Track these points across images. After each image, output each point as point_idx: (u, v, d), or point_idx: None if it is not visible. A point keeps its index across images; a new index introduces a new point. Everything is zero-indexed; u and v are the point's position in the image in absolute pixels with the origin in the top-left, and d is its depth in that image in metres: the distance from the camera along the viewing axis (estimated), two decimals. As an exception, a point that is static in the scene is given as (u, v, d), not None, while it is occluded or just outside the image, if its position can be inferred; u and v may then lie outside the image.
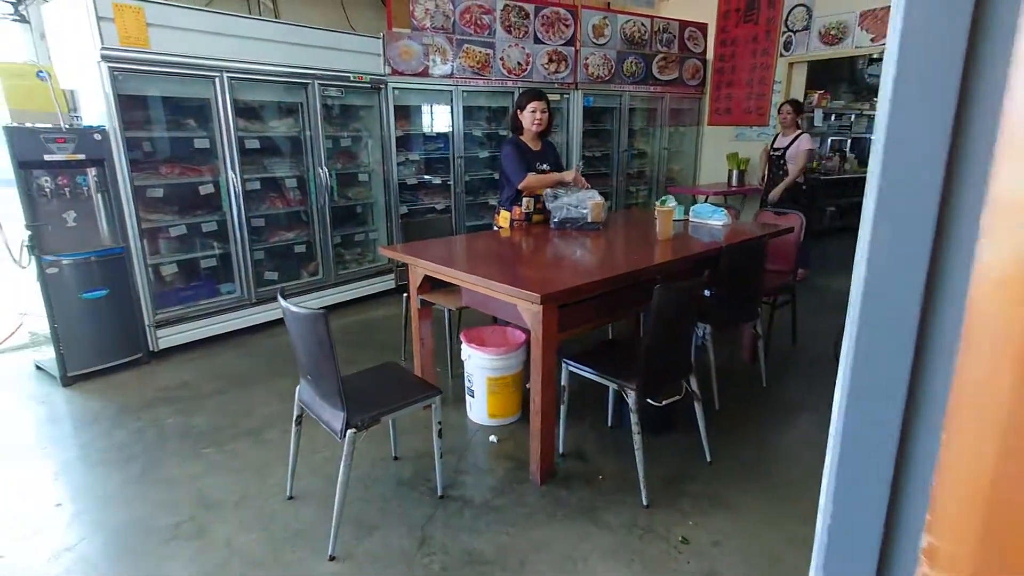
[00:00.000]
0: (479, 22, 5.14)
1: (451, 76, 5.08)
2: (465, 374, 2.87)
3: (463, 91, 5.18)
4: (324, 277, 4.63)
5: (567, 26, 5.63)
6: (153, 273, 3.70)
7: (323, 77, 4.33)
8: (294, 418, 2.22)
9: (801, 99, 5.90)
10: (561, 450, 2.57)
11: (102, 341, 3.43)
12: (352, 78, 4.51)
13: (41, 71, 3.22)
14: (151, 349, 3.65)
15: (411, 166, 5.24)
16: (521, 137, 3.40)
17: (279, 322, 4.24)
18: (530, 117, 3.27)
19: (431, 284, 2.76)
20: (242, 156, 3.98)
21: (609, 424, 2.82)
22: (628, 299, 2.61)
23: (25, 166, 3.08)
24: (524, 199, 3.34)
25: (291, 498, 2.29)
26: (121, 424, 2.89)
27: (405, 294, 3.50)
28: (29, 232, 3.11)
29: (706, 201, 5.55)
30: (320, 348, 1.86)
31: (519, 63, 5.44)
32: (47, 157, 3.12)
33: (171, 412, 3.00)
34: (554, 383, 2.30)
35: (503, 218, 3.40)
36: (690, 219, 3.60)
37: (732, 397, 3.09)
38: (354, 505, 2.22)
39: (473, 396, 2.83)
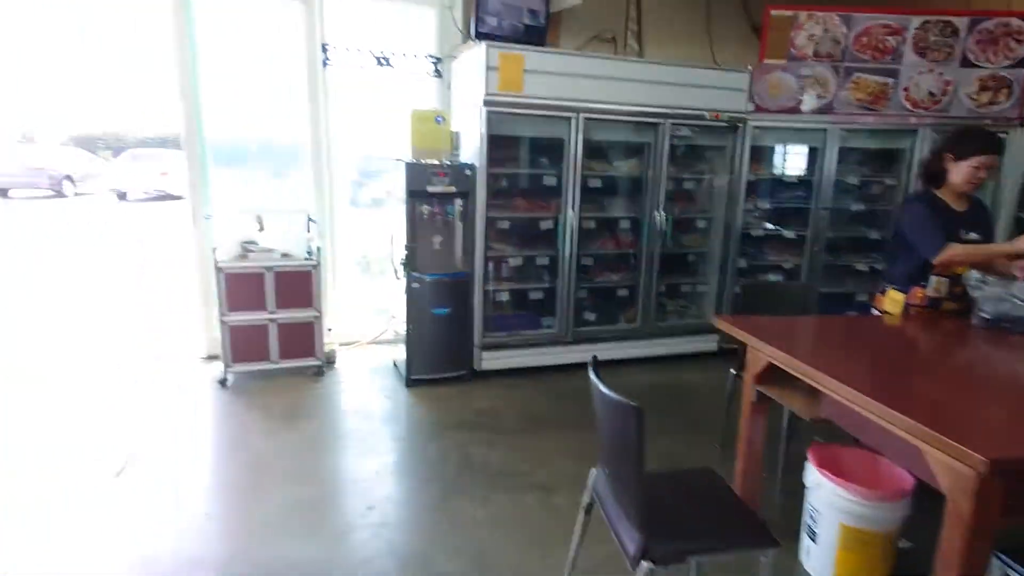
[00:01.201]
0: (880, 46, 4.13)
1: (828, 112, 4.21)
2: (807, 505, 2.12)
3: (841, 129, 4.24)
4: (641, 325, 4.32)
5: (1020, 41, 4.10)
6: (488, 298, 3.97)
7: (676, 116, 4.05)
8: (583, 505, 1.90)
9: None
10: None
11: (439, 354, 3.80)
12: (707, 116, 4.11)
13: (439, 116, 3.76)
14: (475, 368, 3.91)
15: (759, 215, 4.55)
16: (938, 192, 2.44)
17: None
18: (969, 172, 2.30)
19: (773, 370, 2.12)
20: (583, 195, 3.99)
21: (1061, 673, 1.69)
22: None
23: (413, 195, 3.61)
24: (933, 278, 2.37)
25: (564, 593, 1.98)
26: (435, 438, 3.08)
27: (733, 370, 2.91)
28: (407, 251, 3.64)
29: None
30: (624, 446, 1.48)
31: (931, 93, 4.19)
32: (429, 188, 3.61)
33: (476, 440, 3.07)
34: (973, 588, 1.42)
35: (891, 301, 2.48)
36: None
37: None
38: (632, 641, 1.77)
39: (814, 541, 2.07)
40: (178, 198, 15.58)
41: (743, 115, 4.20)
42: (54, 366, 3.91)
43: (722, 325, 2.31)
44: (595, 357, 1.75)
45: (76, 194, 15.63)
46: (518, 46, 3.72)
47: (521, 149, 4.12)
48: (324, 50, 4.10)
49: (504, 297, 4.09)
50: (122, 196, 15.57)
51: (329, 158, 4.27)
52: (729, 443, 3.00)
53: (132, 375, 3.79)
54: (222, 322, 3.63)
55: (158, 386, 3.64)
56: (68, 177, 15.49)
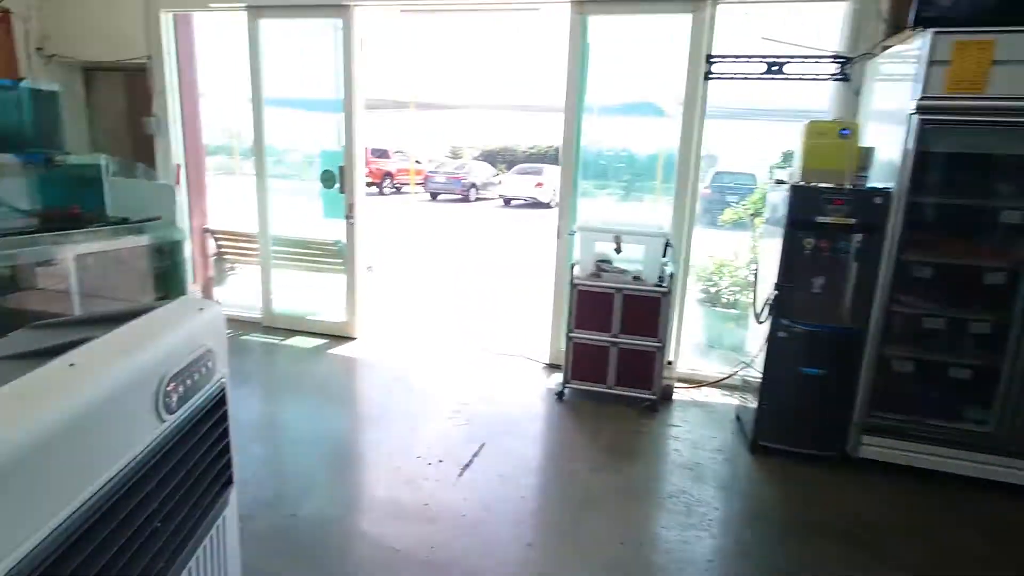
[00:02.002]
0: None
1: None
2: None
3: None
4: None
5: None
6: (883, 366, 3.01)
7: None
8: None
9: None
10: None
11: (801, 423, 3.07)
12: None
13: (845, 128, 3.00)
14: (847, 452, 3.02)
15: None
16: None
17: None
18: None
19: None
20: (1071, 240, 2.65)
21: None
22: None
23: (796, 225, 2.96)
24: None
25: None
26: (789, 540, 2.42)
27: None
28: (776, 291, 3.03)
29: None
30: None
31: None
32: (818, 219, 2.91)
33: (854, 562, 2.29)
34: None
35: None
36: None
37: None
38: None
39: None
40: (545, 206, 17.76)
41: None
42: (429, 348, 4.66)
43: None
44: None
45: (477, 199, 19.36)
46: (985, 29, 2.67)
47: (964, 171, 2.99)
48: (708, 61, 3.77)
49: (907, 368, 3.04)
50: (507, 202, 18.58)
51: (696, 177, 3.93)
52: None
53: (487, 370, 4.22)
54: (568, 337, 3.69)
55: (506, 385, 3.94)
56: (474, 185, 19.31)
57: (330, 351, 4.42)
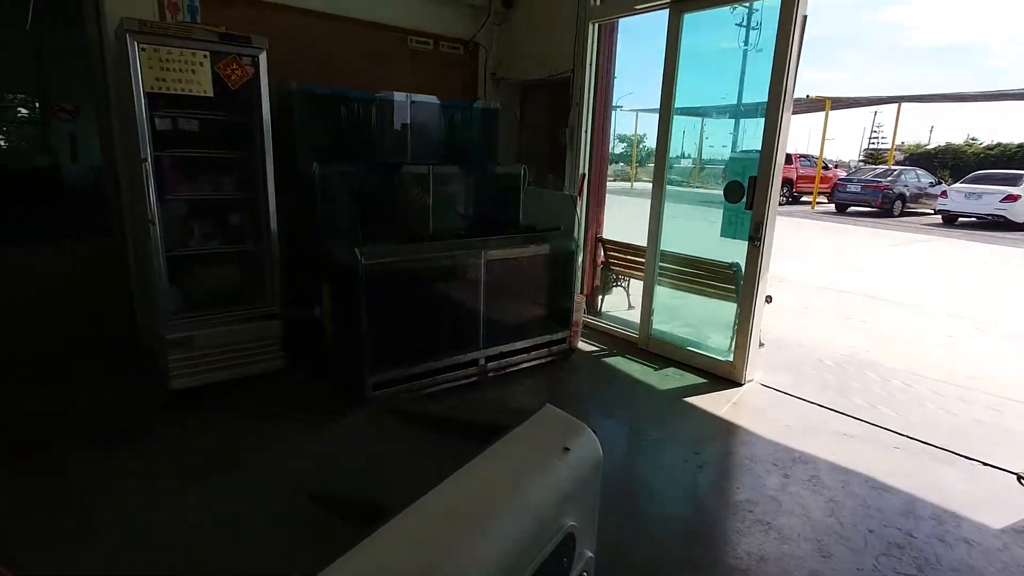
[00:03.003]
0: None
1: None
2: None
3: None
4: None
5: None
6: None
7: None
8: None
9: None
10: None
11: None
12: None
13: None
14: None
15: None
16: None
17: None
18: None
19: None
20: None
21: None
22: None
23: None
24: None
25: None
26: None
27: None
28: None
29: None
30: None
31: None
32: None
33: None
34: None
35: None
36: None
37: None
38: None
39: None
40: (1019, 227, 12.87)
41: None
42: (839, 419, 3.43)
43: None
44: None
45: (903, 212, 15.51)
46: None
47: None
48: None
49: None
50: (949, 220, 14.25)
51: None
52: None
53: (935, 477, 2.81)
54: None
55: (976, 513, 2.51)
56: (901, 196, 15.49)
57: (708, 396, 3.73)
